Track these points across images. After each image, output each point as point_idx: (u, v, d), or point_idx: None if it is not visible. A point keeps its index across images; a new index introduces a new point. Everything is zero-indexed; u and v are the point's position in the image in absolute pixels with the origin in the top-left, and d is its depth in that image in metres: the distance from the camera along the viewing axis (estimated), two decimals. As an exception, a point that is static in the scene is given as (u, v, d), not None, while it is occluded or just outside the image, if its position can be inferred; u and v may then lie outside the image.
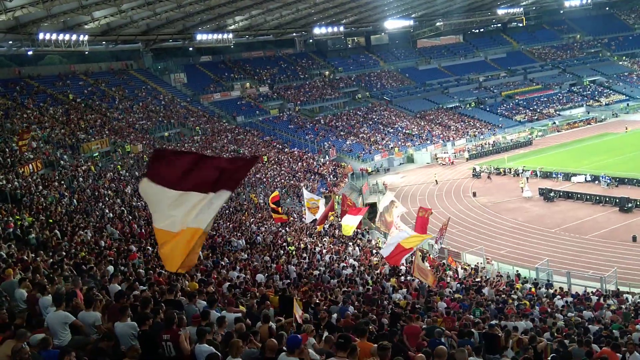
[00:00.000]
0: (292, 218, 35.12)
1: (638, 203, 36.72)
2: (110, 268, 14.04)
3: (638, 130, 62.53)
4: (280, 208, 30.13)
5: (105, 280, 12.34)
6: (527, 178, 46.69)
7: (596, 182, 43.77)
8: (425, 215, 25.11)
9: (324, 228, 31.85)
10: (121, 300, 9.03)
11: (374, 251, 27.91)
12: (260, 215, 35.95)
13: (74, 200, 26.88)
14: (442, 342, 9.37)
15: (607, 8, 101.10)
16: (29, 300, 9.37)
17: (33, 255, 14.51)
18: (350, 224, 26.15)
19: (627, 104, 78.65)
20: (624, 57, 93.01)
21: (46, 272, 12.16)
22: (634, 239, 31.00)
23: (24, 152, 32.49)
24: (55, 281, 10.95)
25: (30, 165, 30.87)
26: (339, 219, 30.20)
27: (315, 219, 29.05)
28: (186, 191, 6.74)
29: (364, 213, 27.96)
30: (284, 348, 6.99)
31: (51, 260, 13.87)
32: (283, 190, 44.76)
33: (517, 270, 27.15)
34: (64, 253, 15.61)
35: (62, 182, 30.28)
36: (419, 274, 19.55)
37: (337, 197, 44.76)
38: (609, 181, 42.65)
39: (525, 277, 25.99)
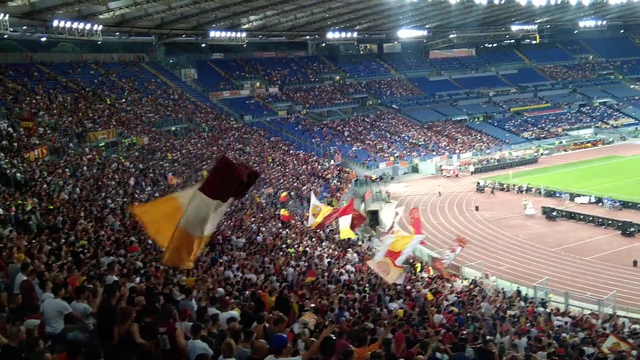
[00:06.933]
0: (293, 220, 35.07)
1: (641, 227, 36.52)
2: (106, 259, 14.01)
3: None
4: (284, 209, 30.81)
5: (102, 271, 12.31)
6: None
7: (599, 204, 43.56)
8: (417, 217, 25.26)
9: (324, 231, 31.80)
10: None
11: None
12: (261, 215, 35.89)
13: (77, 189, 26.90)
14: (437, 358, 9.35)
15: (622, 31, 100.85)
16: (24, 285, 9.34)
17: (34, 241, 14.49)
18: (345, 227, 26.68)
19: (636, 128, 78.31)
20: (635, 81, 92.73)
21: (44, 259, 12.14)
22: (635, 263, 30.79)
23: (30, 135, 32.54)
24: (52, 268, 10.94)
25: (35, 151, 30.93)
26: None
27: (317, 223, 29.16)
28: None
29: (351, 212, 27.84)
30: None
31: (49, 247, 13.83)
32: (286, 192, 44.69)
33: (518, 287, 27.04)
34: (63, 240, 15.58)
35: (67, 169, 30.32)
36: (376, 267, 19.12)
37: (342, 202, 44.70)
38: (612, 204, 42.47)
39: (526, 295, 25.89)
